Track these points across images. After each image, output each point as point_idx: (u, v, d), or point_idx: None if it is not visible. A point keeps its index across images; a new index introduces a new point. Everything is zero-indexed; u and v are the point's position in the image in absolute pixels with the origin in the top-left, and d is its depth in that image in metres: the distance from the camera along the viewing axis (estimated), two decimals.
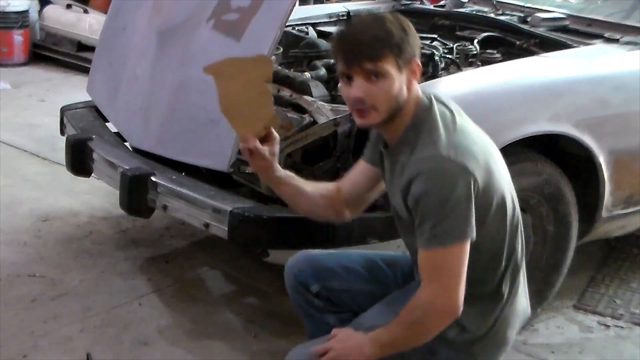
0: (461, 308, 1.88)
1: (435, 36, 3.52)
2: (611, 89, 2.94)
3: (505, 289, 2.05)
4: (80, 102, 3.53)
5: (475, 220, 1.86)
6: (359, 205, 2.25)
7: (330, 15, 3.91)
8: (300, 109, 2.85)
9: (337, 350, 1.95)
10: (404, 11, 4.04)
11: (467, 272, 1.88)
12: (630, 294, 3.35)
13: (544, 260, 2.98)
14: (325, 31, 3.67)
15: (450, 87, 2.83)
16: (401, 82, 1.89)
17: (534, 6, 3.71)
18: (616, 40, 3.24)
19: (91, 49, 5.44)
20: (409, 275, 2.20)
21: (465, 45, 3.32)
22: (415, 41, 1.92)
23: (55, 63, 6.72)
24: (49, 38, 6.87)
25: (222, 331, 2.92)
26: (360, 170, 2.20)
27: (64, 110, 3.44)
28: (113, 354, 2.74)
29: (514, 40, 3.44)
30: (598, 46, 3.22)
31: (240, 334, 2.91)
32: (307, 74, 3.08)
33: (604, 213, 2.99)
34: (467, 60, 3.26)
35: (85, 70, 5.38)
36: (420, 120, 1.92)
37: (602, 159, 2.88)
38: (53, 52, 6.79)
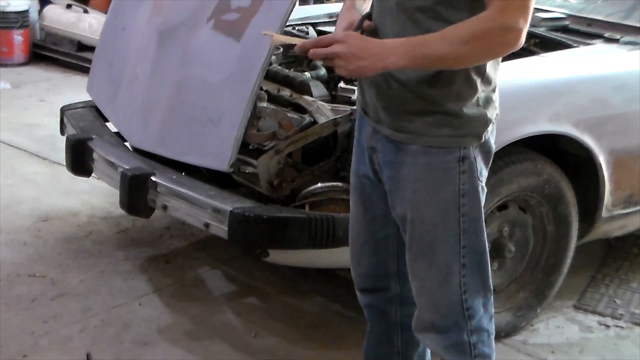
0: (523, 42, 1.72)
1: None
2: (611, 89, 2.94)
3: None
4: (80, 102, 3.52)
5: None
6: None
7: (330, 15, 3.91)
8: (300, 109, 2.85)
9: (344, 55, 1.70)
10: None
11: None
12: (630, 294, 3.35)
13: (544, 260, 2.98)
14: (325, 31, 3.67)
15: None
16: None
17: (534, 6, 3.70)
18: (616, 40, 3.23)
19: (91, 49, 5.44)
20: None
21: None
22: None
23: (55, 63, 6.71)
24: (49, 38, 6.86)
25: (222, 331, 2.92)
26: None
27: (64, 110, 3.44)
28: (113, 354, 2.74)
29: None
30: (598, 46, 3.22)
31: (240, 334, 2.91)
32: (307, 74, 3.08)
33: (604, 213, 2.99)
34: None
35: (85, 70, 5.38)
36: None
37: (602, 159, 2.88)
38: (53, 52, 6.78)
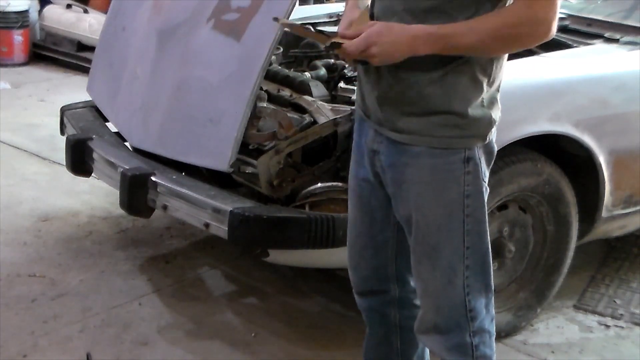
0: (554, 32, 1.75)
1: None
2: (611, 89, 2.94)
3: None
4: (80, 102, 3.52)
5: None
6: None
7: (330, 15, 3.91)
8: (300, 109, 2.85)
9: (378, 44, 1.71)
10: None
11: None
12: (630, 294, 3.35)
13: (544, 260, 2.98)
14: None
15: None
16: None
17: None
18: (616, 40, 3.24)
19: (91, 49, 5.43)
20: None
21: None
22: None
23: (55, 63, 6.71)
24: (49, 38, 6.87)
25: (222, 331, 2.92)
26: None
27: (64, 110, 3.44)
28: (113, 354, 2.74)
29: None
30: (598, 46, 3.22)
31: (240, 334, 2.91)
32: (307, 74, 3.08)
33: (604, 213, 2.99)
34: None
35: (85, 70, 5.38)
36: None
37: (602, 159, 2.88)
38: (53, 52, 6.78)
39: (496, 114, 1.86)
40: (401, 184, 1.89)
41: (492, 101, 1.85)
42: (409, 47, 1.72)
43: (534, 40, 1.75)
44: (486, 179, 1.88)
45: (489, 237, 1.93)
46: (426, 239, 1.89)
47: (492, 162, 1.91)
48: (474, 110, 1.80)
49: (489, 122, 1.84)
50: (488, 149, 1.87)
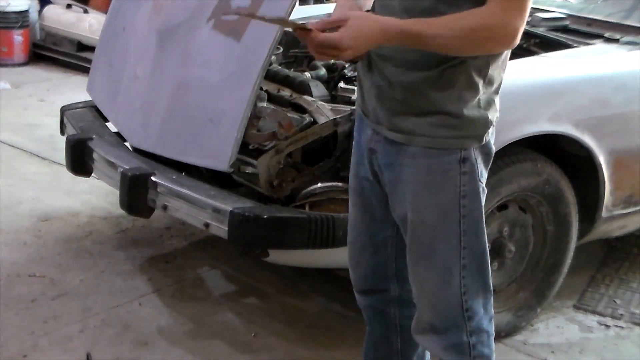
0: (518, 41, 1.74)
1: None
2: (611, 89, 2.94)
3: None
4: (80, 102, 3.52)
5: None
6: None
7: (330, 15, 3.90)
8: (300, 109, 2.85)
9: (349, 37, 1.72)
10: None
11: None
12: (630, 294, 3.35)
13: (544, 260, 2.98)
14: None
15: None
16: None
17: (534, 6, 3.69)
18: (616, 40, 3.24)
19: (91, 49, 5.43)
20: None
21: None
22: None
23: (55, 63, 6.71)
24: (49, 38, 6.86)
25: (222, 331, 2.92)
26: None
27: (64, 110, 3.44)
28: (113, 354, 2.74)
29: None
30: (598, 46, 3.22)
31: (240, 334, 2.91)
32: (307, 74, 3.08)
33: (604, 213, 2.99)
34: None
35: (85, 70, 5.38)
36: None
37: (602, 159, 2.88)
38: (53, 52, 6.78)
39: (493, 115, 1.86)
40: (397, 184, 1.89)
41: (490, 102, 1.85)
42: (378, 40, 1.72)
43: (500, 45, 1.75)
44: (483, 180, 1.88)
45: (486, 238, 1.93)
46: (422, 239, 1.89)
47: (490, 163, 1.91)
48: (469, 111, 1.80)
49: (485, 123, 1.84)
50: (485, 150, 1.87)
